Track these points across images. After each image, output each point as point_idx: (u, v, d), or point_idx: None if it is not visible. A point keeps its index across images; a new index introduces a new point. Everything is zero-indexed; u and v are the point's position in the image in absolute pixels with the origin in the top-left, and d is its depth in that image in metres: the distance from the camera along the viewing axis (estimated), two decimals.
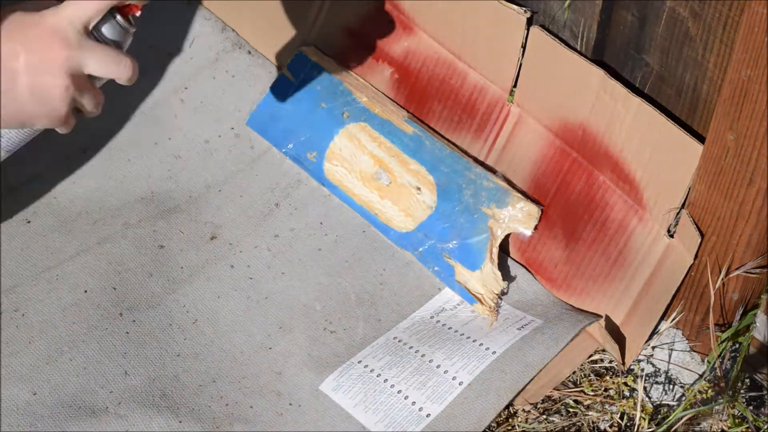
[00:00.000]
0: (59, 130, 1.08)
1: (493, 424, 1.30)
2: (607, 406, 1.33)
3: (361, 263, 1.45)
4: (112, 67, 1.01)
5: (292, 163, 1.55)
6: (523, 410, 1.32)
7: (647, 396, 1.34)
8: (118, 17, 1.02)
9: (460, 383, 1.30)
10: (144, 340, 1.36)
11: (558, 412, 1.33)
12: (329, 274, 1.44)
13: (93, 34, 1.01)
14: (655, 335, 1.34)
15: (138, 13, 1.03)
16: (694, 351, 1.35)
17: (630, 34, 1.27)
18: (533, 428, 1.31)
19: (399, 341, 1.37)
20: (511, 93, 1.43)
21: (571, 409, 1.33)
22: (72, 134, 1.56)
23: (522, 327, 1.35)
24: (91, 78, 1.04)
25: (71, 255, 1.43)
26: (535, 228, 1.40)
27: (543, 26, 1.35)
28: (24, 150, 1.22)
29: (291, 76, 1.57)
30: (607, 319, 1.35)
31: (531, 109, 1.41)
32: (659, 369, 1.35)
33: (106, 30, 1.01)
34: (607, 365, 1.37)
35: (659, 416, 1.32)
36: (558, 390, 1.34)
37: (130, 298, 1.40)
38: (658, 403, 1.34)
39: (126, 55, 1.02)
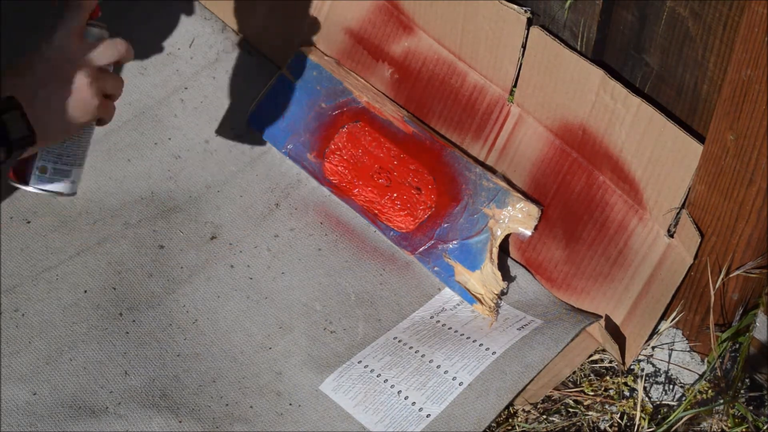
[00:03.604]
0: (104, 121, 1.26)
1: (493, 425, 1.30)
2: (607, 406, 1.33)
3: (361, 263, 1.45)
4: (111, 51, 1.23)
5: (292, 163, 1.55)
6: (523, 410, 1.32)
7: (647, 396, 1.34)
8: (92, 22, 1.27)
9: (460, 384, 1.30)
10: (144, 340, 1.36)
11: (558, 412, 1.33)
12: (329, 274, 1.44)
13: (86, 41, 1.24)
14: (655, 335, 1.34)
15: (99, 14, 1.27)
16: (694, 351, 1.35)
17: (630, 34, 1.27)
18: (533, 428, 1.31)
19: (399, 341, 1.37)
20: (511, 93, 1.43)
21: (571, 409, 1.33)
22: None
23: (522, 327, 1.35)
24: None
25: (71, 255, 1.43)
26: (535, 228, 1.40)
27: (543, 26, 1.35)
28: None
29: (291, 76, 1.57)
30: (607, 319, 1.35)
31: (531, 109, 1.41)
32: (659, 369, 1.35)
33: (89, 34, 1.25)
34: (607, 365, 1.37)
35: (659, 416, 1.32)
36: (558, 390, 1.34)
37: (130, 298, 1.40)
38: (658, 403, 1.34)
39: (115, 39, 1.24)
